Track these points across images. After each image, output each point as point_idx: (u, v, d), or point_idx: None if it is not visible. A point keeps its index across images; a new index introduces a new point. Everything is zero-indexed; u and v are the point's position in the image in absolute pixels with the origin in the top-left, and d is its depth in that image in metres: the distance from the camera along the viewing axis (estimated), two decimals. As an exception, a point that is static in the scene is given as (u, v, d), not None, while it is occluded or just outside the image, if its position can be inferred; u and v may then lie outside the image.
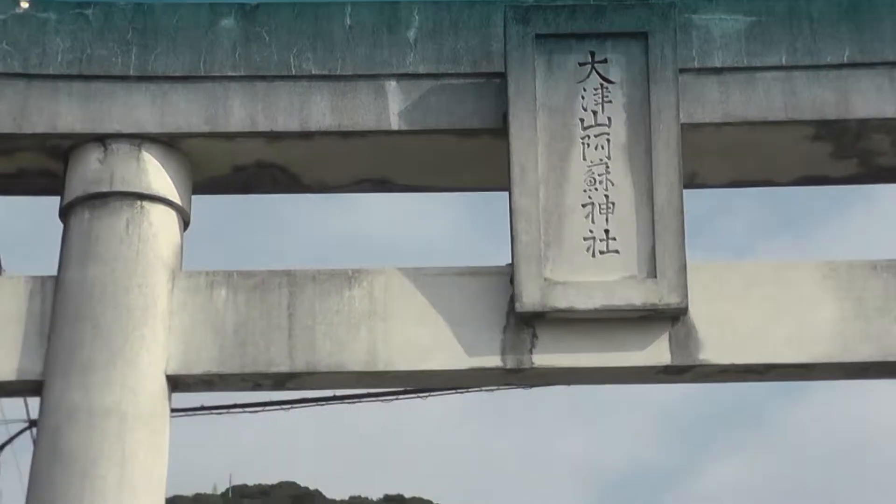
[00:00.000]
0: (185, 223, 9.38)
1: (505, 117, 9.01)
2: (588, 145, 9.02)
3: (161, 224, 9.02)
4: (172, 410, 9.01)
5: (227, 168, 9.56)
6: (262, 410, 15.65)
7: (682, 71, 9.06)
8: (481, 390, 10.86)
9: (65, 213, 9.20)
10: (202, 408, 16.63)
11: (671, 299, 8.67)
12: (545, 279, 8.72)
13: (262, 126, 9.25)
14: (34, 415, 14.35)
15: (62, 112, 9.16)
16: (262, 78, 9.29)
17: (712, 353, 8.79)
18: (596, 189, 8.93)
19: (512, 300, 8.78)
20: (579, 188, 8.94)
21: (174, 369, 8.72)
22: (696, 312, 8.80)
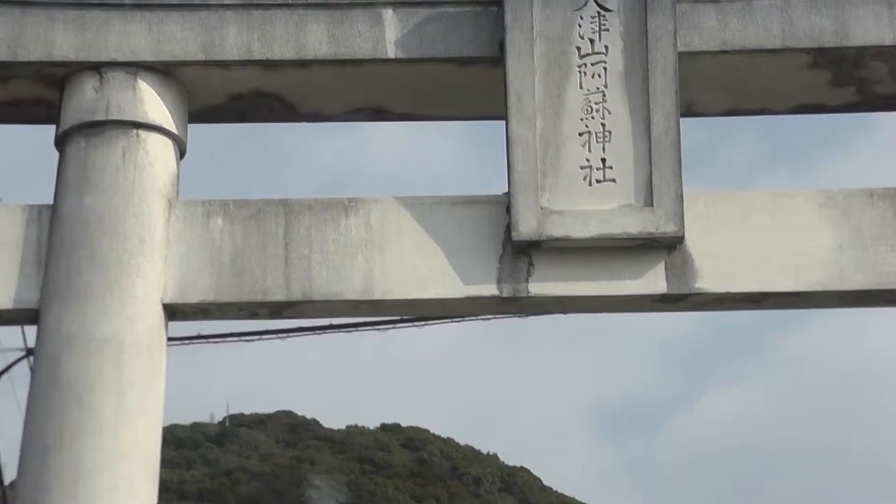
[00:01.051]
0: (181, 152, 9.38)
1: (502, 46, 8.99)
2: (585, 74, 9.01)
3: (157, 153, 9.02)
4: (169, 339, 9.05)
5: (223, 97, 9.55)
6: (259, 339, 15.72)
7: (679, -1, 9.05)
8: (477, 319, 10.90)
9: (61, 141, 9.19)
10: (199, 336, 16.69)
11: (668, 228, 8.69)
12: (542, 208, 8.74)
13: (259, 54, 9.23)
14: (31, 343, 14.39)
15: (57, 40, 9.13)
16: (259, 6, 9.26)
17: (708, 281, 8.82)
18: (593, 118, 8.93)
19: (508, 229, 8.80)
20: (576, 117, 8.94)
21: (171, 298, 8.75)
22: (692, 241, 8.82)
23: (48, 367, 8.47)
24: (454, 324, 12.57)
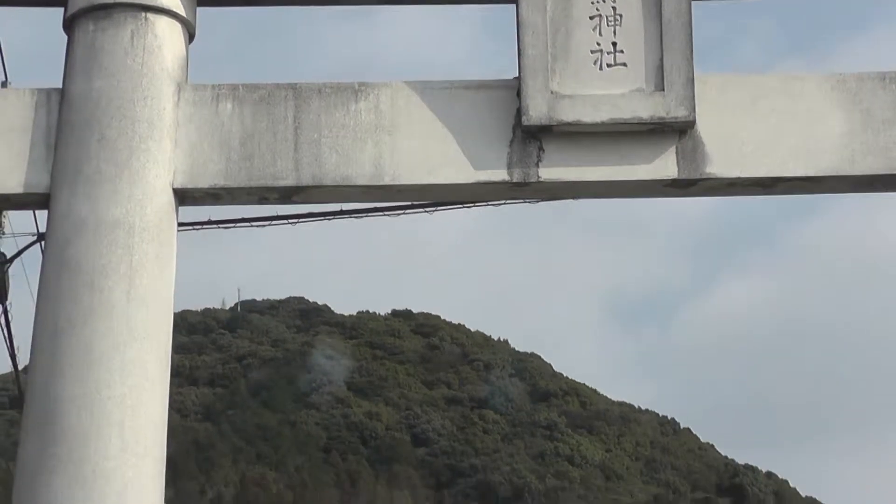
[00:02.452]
0: (190, 36, 9.34)
1: (512, -72, 8.92)
2: (595, -45, 8.94)
3: (166, 36, 8.98)
4: (180, 224, 9.08)
5: (231, -22, 9.49)
6: (270, 225, 15.74)
7: None
8: (488, 205, 10.88)
9: (69, 24, 9.16)
10: (210, 222, 16.73)
11: (678, 112, 8.68)
12: (552, 92, 8.73)
13: (268, -66, 9.15)
14: (43, 228, 14.44)
15: (65, -77, 9.07)
16: None
17: (719, 166, 8.83)
18: (603, 1, 8.88)
19: (519, 114, 8.80)
20: (586, 0, 8.89)
21: (181, 183, 8.78)
22: (703, 125, 8.82)
23: (59, 251, 8.51)
24: (466, 210, 12.61)
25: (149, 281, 8.45)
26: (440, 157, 8.84)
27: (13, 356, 22.30)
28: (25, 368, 10.17)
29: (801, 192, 9.27)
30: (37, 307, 8.54)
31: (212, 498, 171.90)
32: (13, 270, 22.18)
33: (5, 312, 22.43)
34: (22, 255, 21.32)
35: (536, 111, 8.68)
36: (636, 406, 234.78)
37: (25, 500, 7.90)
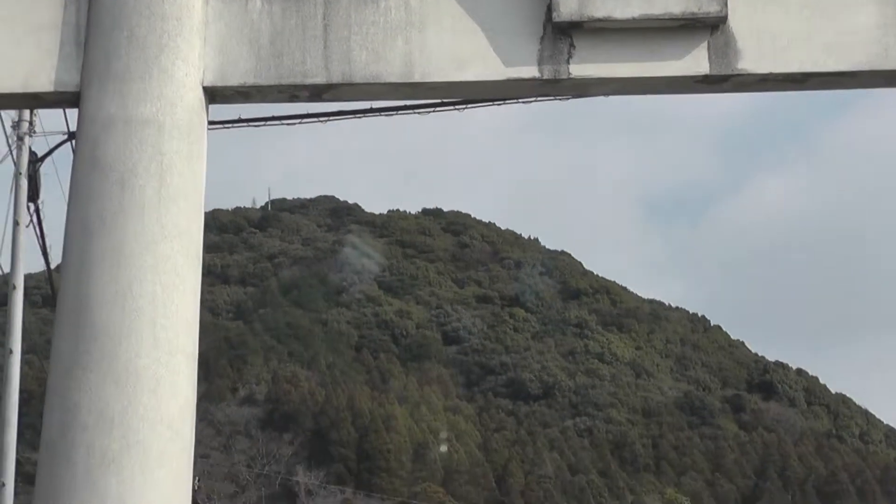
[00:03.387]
0: (217, -68, 9.25)
1: None
2: None
3: (193, -68, 8.89)
4: (210, 123, 9.07)
5: None
6: (299, 123, 15.72)
7: None
8: (518, 102, 10.83)
9: (95, -79, 9.08)
10: (240, 120, 16.74)
11: (710, 7, 8.60)
12: (583, -12, 8.64)
13: None
14: (73, 126, 14.46)
15: None
16: None
17: (751, 62, 8.75)
18: None
19: (549, 9, 8.73)
20: None
21: (210, 81, 8.75)
22: (735, 21, 8.73)
23: (89, 150, 8.51)
24: (496, 108, 12.57)
25: (180, 179, 8.45)
26: (470, 54, 8.79)
27: (45, 255, 22.48)
28: (58, 267, 10.24)
29: (834, 88, 9.20)
30: (68, 206, 8.56)
31: (244, 395, 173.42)
32: (44, 169, 22.25)
33: (37, 211, 22.56)
34: (53, 154, 21.38)
35: (567, 7, 8.62)
36: (666, 304, 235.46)
37: (59, 398, 7.97)
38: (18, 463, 22.49)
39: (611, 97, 9.84)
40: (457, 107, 11.59)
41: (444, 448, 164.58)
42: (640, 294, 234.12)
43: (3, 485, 21.39)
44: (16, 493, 22.39)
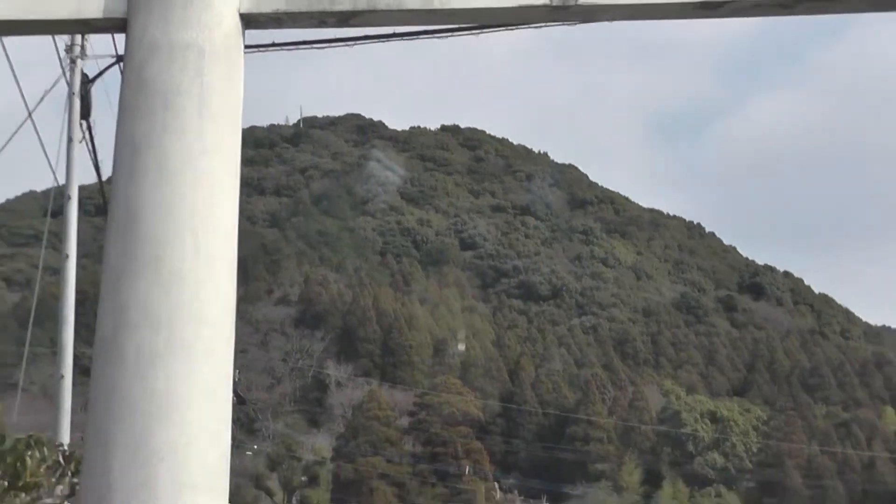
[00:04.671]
0: None
1: None
2: None
3: None
4: (246, 47, 9.03)
5: None
6: (328, 47, 15.61)
7: None
8: (530, 27, 10.73)
9: None
10: (273, 45, 16.62)
11: (709, -62, 8.48)
12: (590, -80, 8.53)
13: None
14: (121, 50, 14.40)
15: None
16: None
17: (745, -12, 8.64)
18: None
19: (559, -60, 8.62)
20: None
21: (246, 8, 8.70)
22: (731, -49, 8.60)
23: (136, 73, 8.49)
24: (510, 33, 12.46)
25: (219, 99, 8.43)
26: (483, -11, 8.70)
27: (97, 168, 22.48)
28: (108, 180, 10.26)
29: (822, 12, 9.05)
30: (117, 124, 8.56)
31: (279, 296, 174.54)
32: (95, 89, 22.21)
33: (89, 128, 22.54)
34: (103, 76, 21.33)
35: (575, -62, 8.51)
36: (665, 212, 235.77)
37: (111, 300, 8.02)
38: (76, 357, 22.68)
39: (616, 23, 9.77)
40: (473, 31, 11.46)
41: (461, 346, 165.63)
42: (641, 204, 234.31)
43: (63, 376, 21.61)
44: (74, 384, 22.61)
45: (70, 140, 23.19)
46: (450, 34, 12.21)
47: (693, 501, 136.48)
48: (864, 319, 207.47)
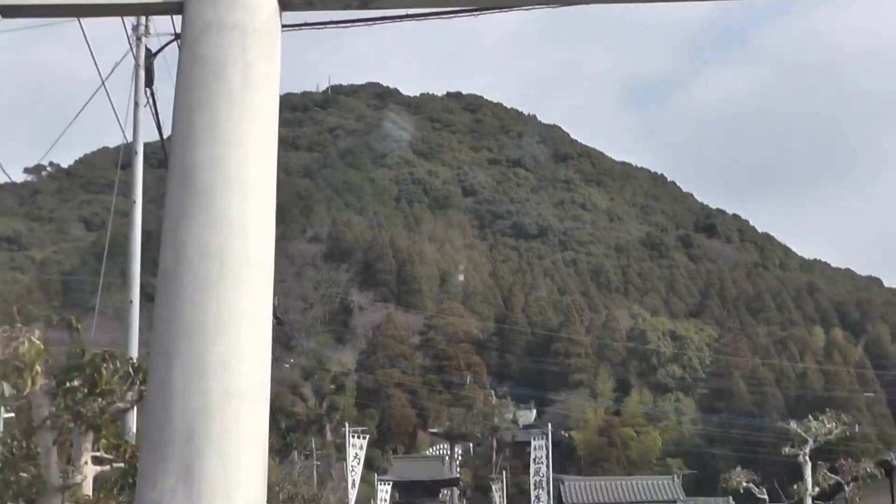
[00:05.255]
0: None
1: None
2: None
3: None
4: (284, 26, 8.98)
5: None
6: (353, 26, 15.52)
7: None
8: (521, 9, 10.63)
9: None
10: (306, 24, 16.48)
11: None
12: (571, -81, 8.42)
13: None
14: (179, 29, 14.34)
15: None
16: None
17: (702, -22, 8.54)
18: None
19: (545, -64, 8.52)
20: None
21: (282, -6, 8.64)
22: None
23: (190, 49, 8.46)
24: (505, 14, 12.35)
25: (259, 71, 8.39)
26: (483, -28, 8.62)
27: (159, 128, 22.44)
28: (168, 138, 10.25)
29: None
30: (175, 91, 8.52)
31: (311, 236, 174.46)
32: (157, 62, 22.13)
33: (152, 95, 22.48)
34: (163, 51, 21.26)
35: (559, -65, 8.40)
36: (634, 165, 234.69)
37: (171, 238, 8.04)
38: (142, 286, 22.74)
39: (592, 6, 9.69)
40: (473, 13, 11.38)
41: (462, 277, 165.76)
42: (613, 157, 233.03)
43: (132, 301, 21.67)
44: (140, 309, 22.68)
45: (136, 105, 23.15)
46: (453, 15, 12.13)
47: (656, 405, 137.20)
48: (798, 254, 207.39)
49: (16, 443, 11.18)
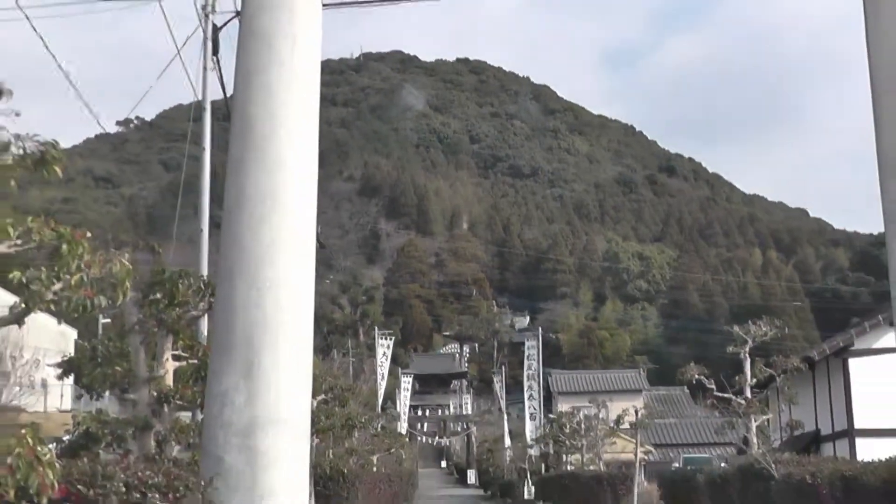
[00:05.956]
0: None
1: None
2: None
3: None
4: (324, 5, 8.84)
5: None
6: (381, 5, 15.34)
7: None
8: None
9: None
10: (342, 3, 16.25)
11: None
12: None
13: None
14: (240, 7, 14.15)
15: None
16: None
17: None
18: None
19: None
20: None
21: (321, -22, 8.49)
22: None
23: (248, 24, 8.38)
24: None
25: (304, 41, 8.32)
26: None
27: (223, 88, 22.26)
28: (231, 96, 10.17)
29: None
30: (236, 58, 8.46)
31: (346, 175, 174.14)
32: (222, 35, 21.97)
33: (218, 61, 22.27)
34: (227, 26, 21.05)
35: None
36: (609, 117, 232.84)
37: (233, 178, 8.04)
38: (211, 217, 22.72)
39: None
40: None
41: (469, 210, 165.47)
42: (593, 112, 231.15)
43: (202, 230, 21.68)
44: (210, 236, 22.68)
45: (205, 69, 22.94)
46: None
47: (626, 313, 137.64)
48: (742, 189, 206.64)
49: (111, 343, 11.27)
